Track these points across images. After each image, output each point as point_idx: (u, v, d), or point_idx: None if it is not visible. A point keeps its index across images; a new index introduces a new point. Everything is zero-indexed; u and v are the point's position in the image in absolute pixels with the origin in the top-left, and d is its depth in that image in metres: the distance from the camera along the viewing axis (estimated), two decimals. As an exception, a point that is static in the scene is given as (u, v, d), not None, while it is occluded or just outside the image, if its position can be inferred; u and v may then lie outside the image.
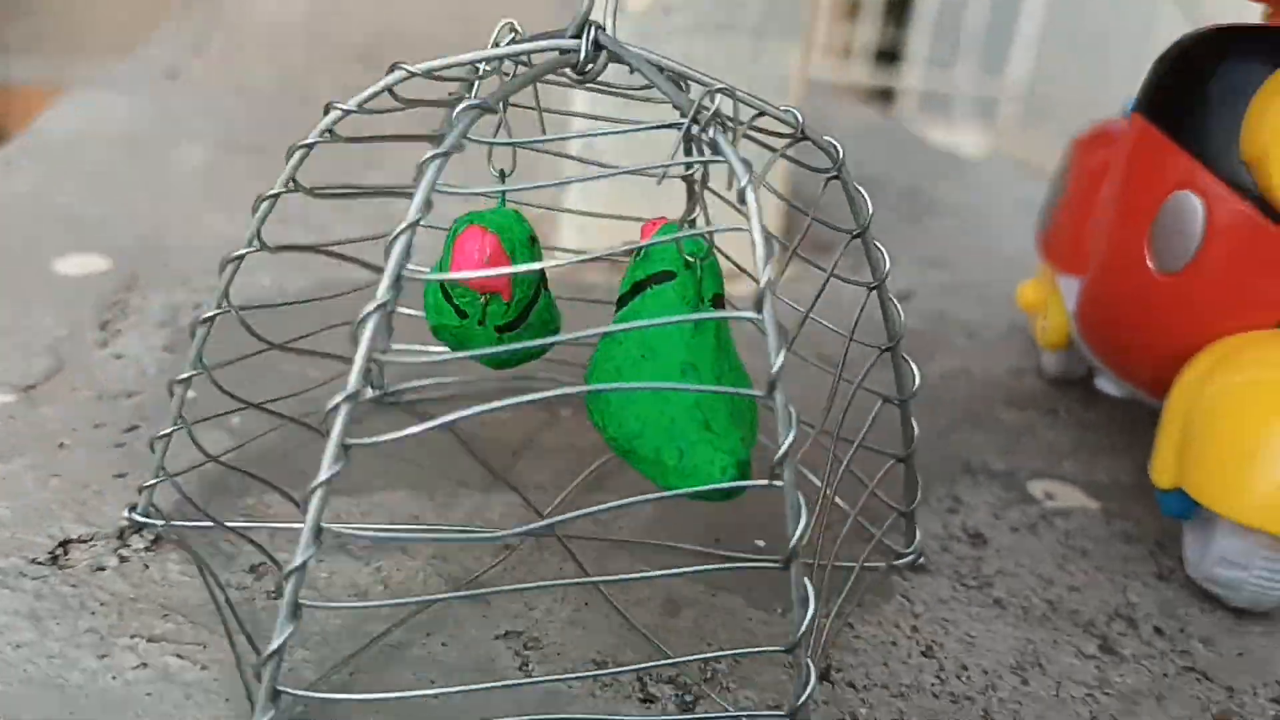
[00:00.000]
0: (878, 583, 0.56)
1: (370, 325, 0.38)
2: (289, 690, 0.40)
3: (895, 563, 0.58)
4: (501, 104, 0.46)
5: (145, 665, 0.46)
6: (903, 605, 0.55)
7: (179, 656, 0.46)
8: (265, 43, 1.50)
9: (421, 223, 0.39)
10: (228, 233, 0.87)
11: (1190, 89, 0.58)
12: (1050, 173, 0.79)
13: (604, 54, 0.45)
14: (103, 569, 0.51)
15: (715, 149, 0.42)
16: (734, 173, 0.41)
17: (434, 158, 0.39)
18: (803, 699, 0.42)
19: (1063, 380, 0.79)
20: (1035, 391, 0.78)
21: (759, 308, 0.40)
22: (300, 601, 0.39)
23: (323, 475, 0.38)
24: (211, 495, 0.56)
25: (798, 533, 0.40)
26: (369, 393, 0.65)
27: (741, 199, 0.40)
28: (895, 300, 0.52)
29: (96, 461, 0.58)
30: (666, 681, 0.48)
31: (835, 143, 0.48)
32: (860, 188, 0.49)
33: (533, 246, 0.49)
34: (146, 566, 0.51)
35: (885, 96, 3.61)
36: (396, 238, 0.38)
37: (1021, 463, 0.69)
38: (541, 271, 0.50)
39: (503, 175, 0.51)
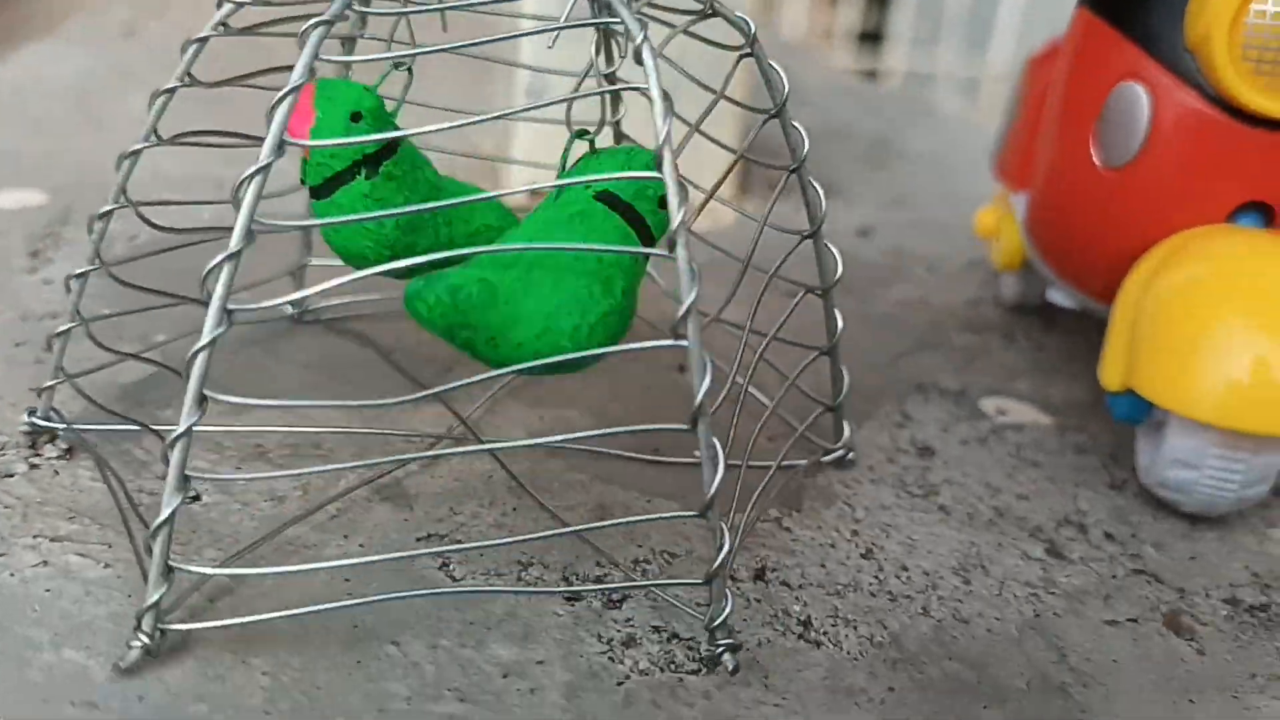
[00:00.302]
0: (805, 480, 0.55)
1: (225, 272, 0.37)
2: (181, 566, 0.39)
3: (823, 459, 0.56)
4: None
5: (46, 564, 0.44)
6: (844, 511, 0.54)
7: (82, 555, 0.44)
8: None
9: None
10: (172, 172, 0.85)
11: (1135, -22, 0.56)
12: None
13: None
14: (11, 475, 0.49)
15: (610, 10, 0.41)
16: (629, 32, 0.40)
17: (316, 25, 0.38)
18: (718, 561, 0.40)
19: (1020, 306, 0.77)
20: (992, 318, 0.77)
21: (659, 166, 0.39)
22: (188, 474, 0.37)
23: (203, 339, 0.37)
24: (127, 406, 0.55)
25: (703, 390, 0.38)
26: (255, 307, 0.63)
27: (638, 58, 0.39)
28: (816, 185, 0.50)
29: (13, 376, 0.56)
30: (593, 581, 0.47)
31: (747, 19, 0.46)
32: (776, 65, 0.48)
33: (355, 121, 0.45)
34: (57, 473, 0.50)
35: (869, 77, 3.59)
36: (277, 104, 0.37)
37: (974, 381, 0.67)
38: (374, 161, 0.46)
39: (397, 66, 0.49)
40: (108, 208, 0.49)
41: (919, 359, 0.70)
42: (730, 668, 0.42)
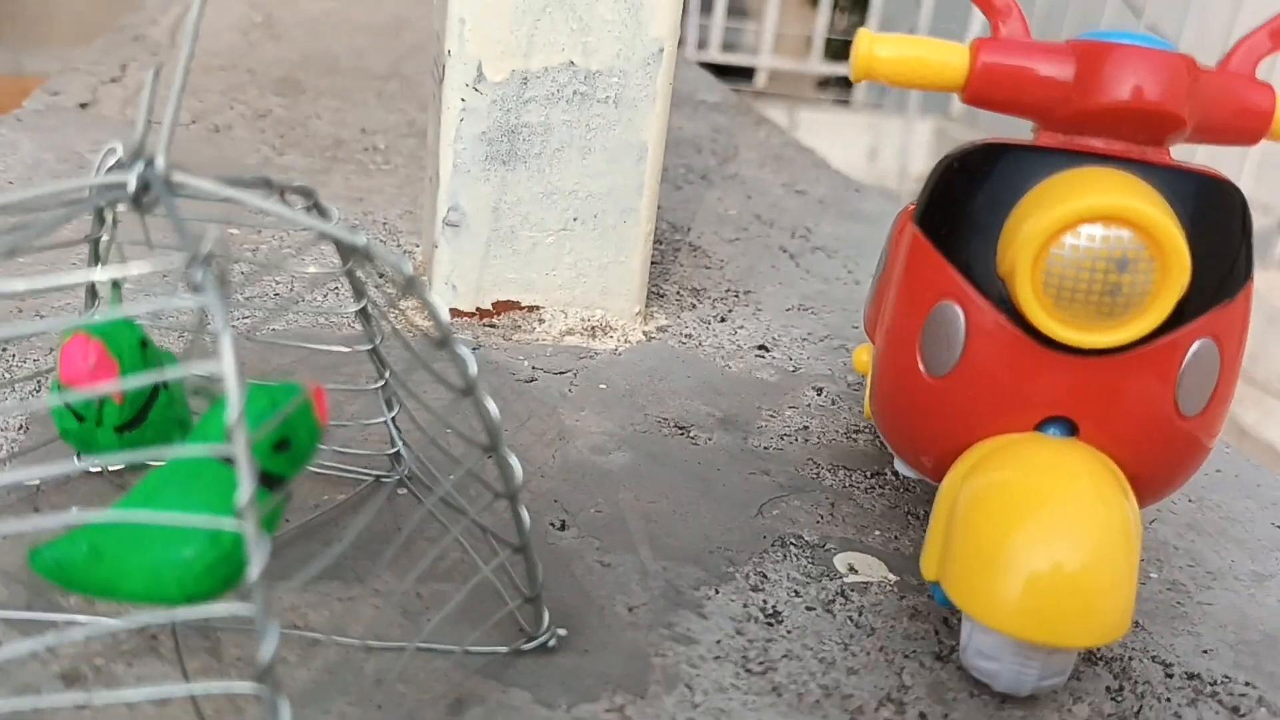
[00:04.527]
0: (654, 659, 0.60)
1: None
2: None
3: (523, 646, 0.60)
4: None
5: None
6: (684, 695, 0.59)
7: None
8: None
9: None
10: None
11: (956, 204, 0.61)
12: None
13: (155, 189, 0.46)
14: None
15: (198, 290, 0.43)
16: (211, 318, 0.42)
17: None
18: None
19: (895, 441, 0.83)
20: (864, 451, 0.82)
21: (230, 437, 0.41)
22: None
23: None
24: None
25: (269, 654, 0.41)
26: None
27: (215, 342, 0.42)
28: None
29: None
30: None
31: (401, 265, 0.50)
32: (437, 307, 0.52)
33: (144, 350, 0.52)
34: None
35: (845, 84, 3.64)
36: None
37: (832, 532, 0.73)
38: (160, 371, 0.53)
39: (117, 287, 0.55)
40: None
41: (787, 505, 0.75)
42: None
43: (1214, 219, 0.59)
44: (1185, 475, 0.63)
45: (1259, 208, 2.43)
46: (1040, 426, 0.60)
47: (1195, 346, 0.59)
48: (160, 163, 0.49)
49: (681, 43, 3.36)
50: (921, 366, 0.62)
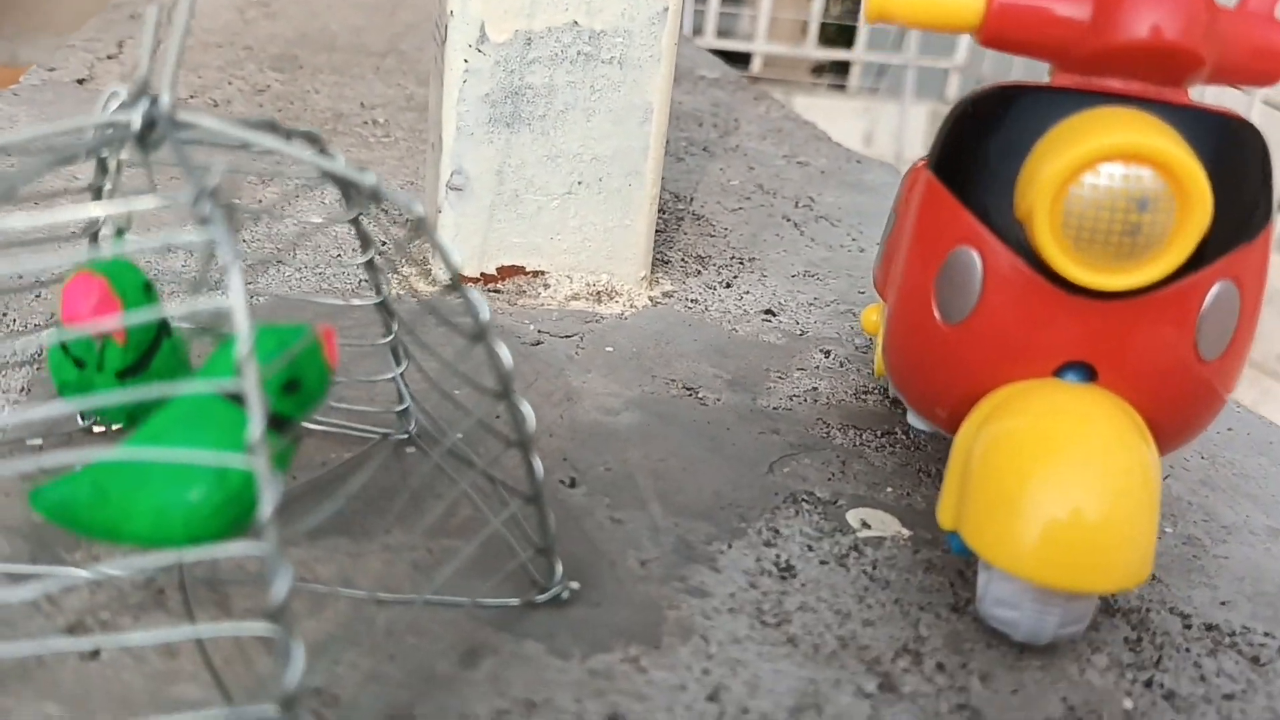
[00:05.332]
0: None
1: None
2: None
3: (536, 598, 0.60)
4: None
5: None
6: (699, 646, 0.59)
7: None
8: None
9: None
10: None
11: (972, 148, 0.60)
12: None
13: (161, 126, 0.46)
14: None
15: (205, 223, 0.42)
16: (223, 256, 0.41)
17: None
18: None
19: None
20: (875, 411, 0.81)
21: (240, 372, 0.40)
22: None
23: None
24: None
25: (281, 594, 0.41)
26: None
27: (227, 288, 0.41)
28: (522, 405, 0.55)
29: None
30: (452, 734, 0.52)
31: (412, 204, 0.50)
32: (447, 250, 0.52)
33: (147, 293, 0.51)
34: None
35: (840, 70, 3.63)
36: None
37: (844, 489, 0.72)
38: (163, 319, 0.52)
39: (121, 232, 0.54)
40: None
41: (798, 463, 0.75)
42: None
43: (1234, 159, 0.58)
44: (1203, 423, 0.62)
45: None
46: (1058, 372, 0.59)
47: (1215, 289, 0.58)
48: (165, 100, 0.48)
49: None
50: (937, 314, 0.61)
